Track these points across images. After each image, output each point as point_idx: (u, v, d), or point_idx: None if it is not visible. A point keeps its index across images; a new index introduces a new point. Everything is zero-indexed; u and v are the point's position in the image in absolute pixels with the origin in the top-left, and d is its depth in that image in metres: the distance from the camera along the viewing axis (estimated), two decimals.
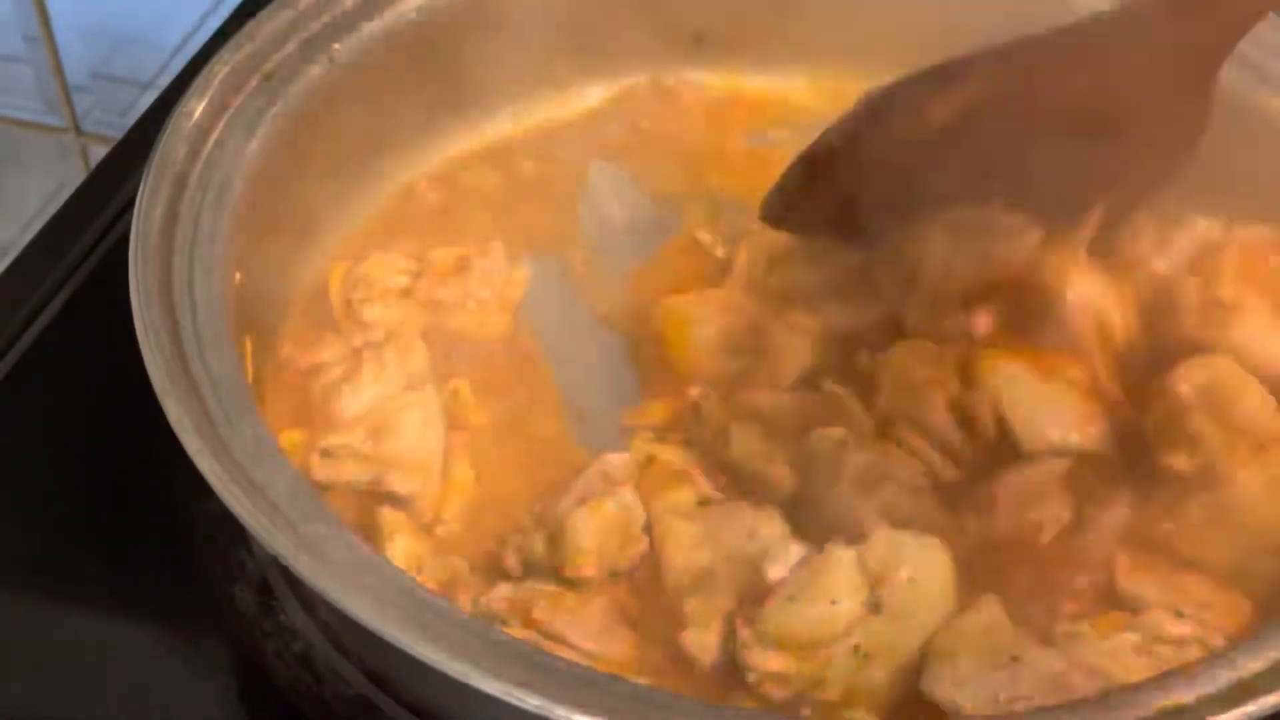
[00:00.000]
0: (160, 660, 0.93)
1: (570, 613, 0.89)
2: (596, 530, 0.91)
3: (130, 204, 1.05)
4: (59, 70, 1.48)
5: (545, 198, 1.18)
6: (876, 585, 0.87)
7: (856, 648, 0.85)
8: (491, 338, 1.07)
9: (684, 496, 0.95)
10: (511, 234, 1.12)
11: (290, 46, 1.05)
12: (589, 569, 0.90)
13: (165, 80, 1.40)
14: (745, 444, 0.97)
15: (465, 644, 0.73)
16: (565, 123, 1.24)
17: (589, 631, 0.88)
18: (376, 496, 0.94)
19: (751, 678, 0.85)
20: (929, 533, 0.90)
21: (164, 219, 0.93)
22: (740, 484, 0.97)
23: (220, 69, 1.01)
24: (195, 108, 0.99)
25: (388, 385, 0.99)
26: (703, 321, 1.06)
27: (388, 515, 0.93)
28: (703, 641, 0.88)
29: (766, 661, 0.85)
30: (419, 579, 0.85)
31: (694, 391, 1.02)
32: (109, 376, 1.04)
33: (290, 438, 0.96)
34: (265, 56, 1.04)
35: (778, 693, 0.85)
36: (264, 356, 1.00)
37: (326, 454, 0.95)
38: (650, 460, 0.97)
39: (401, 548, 0.91)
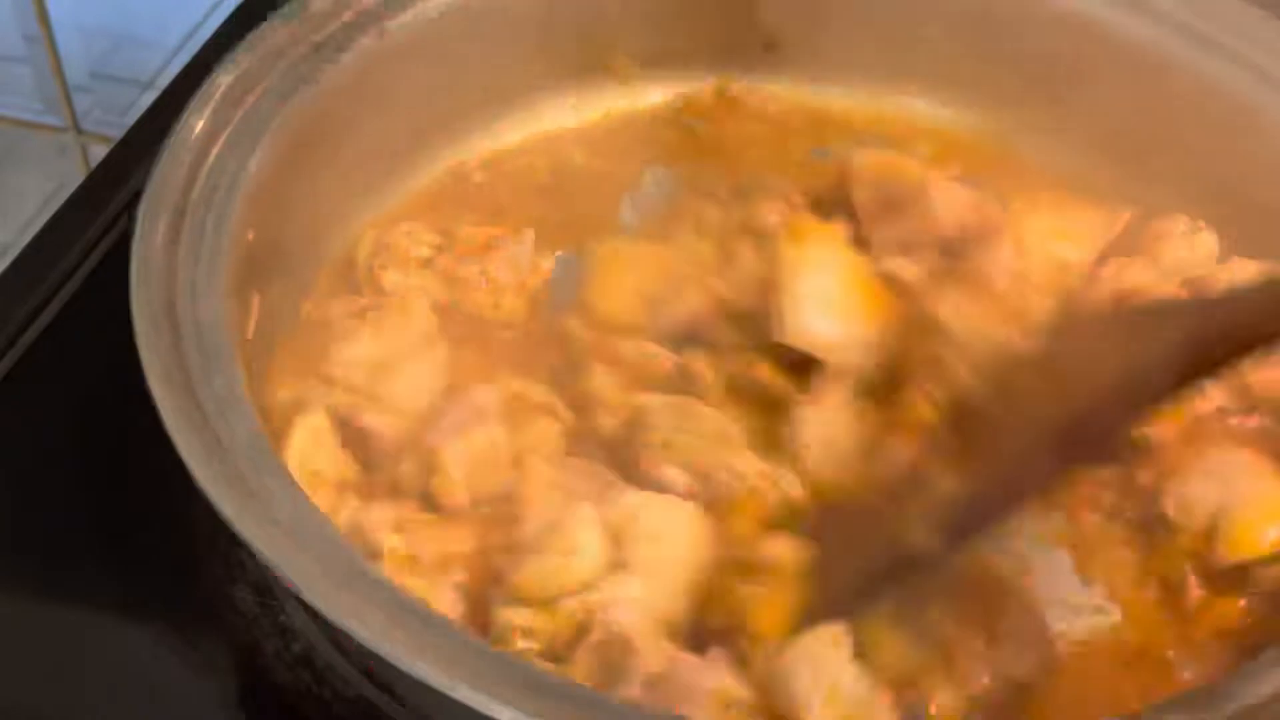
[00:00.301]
0: (160, 660, 0.93)
1: (432, 540, 0.91)
2: (467, 461, 0.93)
3: (130, 204, 1.06)
4: (59, 70, 1.48)
5: (591, 192, 1.19)
6: (618, 542, 0.88)
7: (590, 604, 0.86)
8: (504, 321, 1.08)
9: (548, 428, 0.98)
10: (549, 224, 1.14)
11: (343, 18, 1.06)
12: (459, 497, 0.92)
13: (165, 80, 1.40)
14: (601, 382, 1.00)
15: (396, 617, 0.74)
16: (624, 120, 1.24)
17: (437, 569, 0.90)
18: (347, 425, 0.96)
19: (494, 631, 0.87)
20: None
21: (189, 167, 0.95)
22: (589, 421, 0.99)
23: (270, 34, 1.03)
24: (227, 79, 1.00)
25: (384, 346, 1.00)
26: (629, 269, 1.10)
27: (302, 418, 0.95)
28: None
29: (511, 615, 0.87)
30: (315, 481, 0.90)
31: (567, 323, 1.05)
32: (109, 376, 1.04)
33: (289, 389, 0.98)
34: (316, 27, 1.05)
35: (523, 644, 0.86)
36: (277, 315, 1.01)
37: (326, 380, 0.97)
38: (516, 396, 0.99)
39: (298, 446, 0.93)
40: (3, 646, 0.93)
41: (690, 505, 0.92)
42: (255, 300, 0.97)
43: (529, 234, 1.11)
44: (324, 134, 1.04)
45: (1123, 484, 0.97)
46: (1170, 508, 0.94)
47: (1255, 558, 0.92)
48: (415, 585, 0.87)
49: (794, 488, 0.95)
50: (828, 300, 1.00)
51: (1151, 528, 0.95)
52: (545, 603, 0.86)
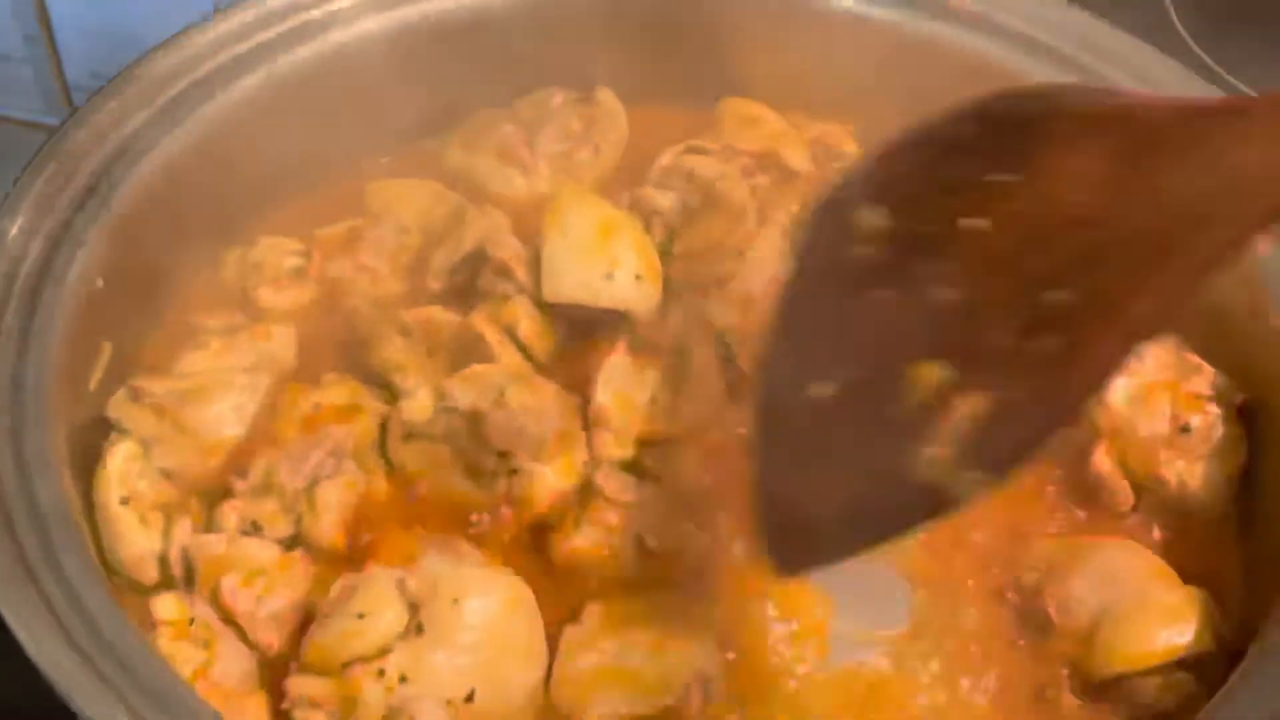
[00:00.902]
0: None
1: (258, 600, 0.91)
2: (341, 503, 0.95)
3: None
4: (59, 70, 1.50)
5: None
6: (420, 606, 0.87)
7: (382, 671, 0.85)
8: (383, 302, 1.08)
9: (362, 425, 0.99)
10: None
11: (226, 56, 1.10)
12: (339, 538, 0.94)
13: None
14: (387, 354, 1.02)
15: None
16: None
17: (268, 623, 0.90)
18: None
19: (284, 704, 0.86)
20: None
21: (36, 204, 0.97)
22: (381, 393, 1.02)
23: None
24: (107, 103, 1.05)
25: (229, 359, 1.02)
26: (407, 202, 1.13)
27: (116, 443, 0.96)
28: None
29: (300, 684, 0.85)
30: (130, 505, 0.92)
31: (349, 303, 1.06)
32: None
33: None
34: (199, 63, 1.09)
35: (311, 717, 0.85)
36: (129, 362, 1.03)
37: (132, 393, 0.98)
38: (319, 407, 1.00)
39: (116, 469, 0.94)
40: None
41: (509, 574, 0.91)
42: (106, 348, 1.00)
43: (389, 216, 1.12)
44: (197, 167, 1.06)
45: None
46: (1051, 607, 0.93)
47: (1134, 670, 0.91)
48: (189, 652, 0.88)
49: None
50: (584, 256, 1.03)
51: (1034, 626, 0.94)
52: (335, 670, 0.85)
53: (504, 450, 0.97)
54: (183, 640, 0.87)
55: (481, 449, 0.97)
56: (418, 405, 0.98)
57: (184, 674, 0.85)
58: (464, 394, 0.98)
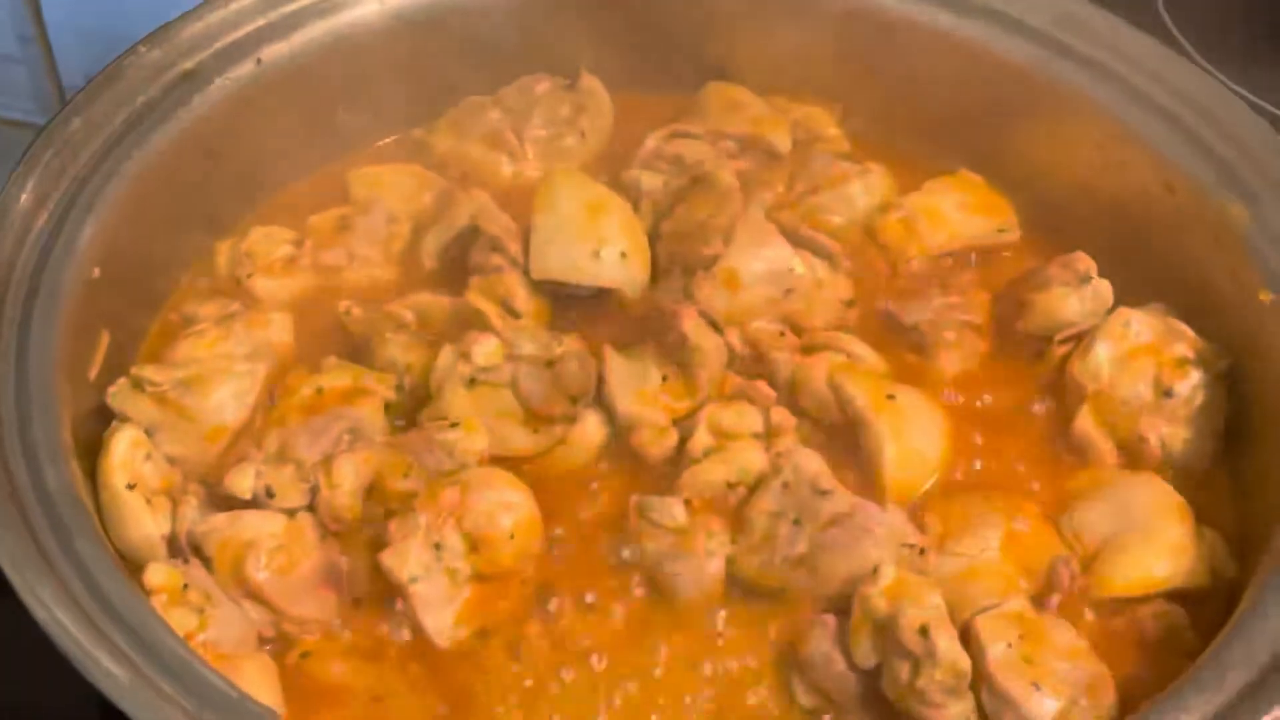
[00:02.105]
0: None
1: (282, 573, 0.93)
2: (358, 474, 0.96)
3: None
4: (53, 71, 1.51)
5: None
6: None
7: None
8: (380, 289, 1.11)
9: (370, 408, 1.01)
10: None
11: (216, 46, 1.11)
12: (357, 507, 0.96)
13: None
14: (389, 354, 1.04)
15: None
16: None
17: (296, 592, 0.93)
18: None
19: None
20: None
21: (33, 198, 0.99)
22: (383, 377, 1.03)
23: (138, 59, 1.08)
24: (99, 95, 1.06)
25: (228, 347, 1.03)
26: (392, 188, 1.15)
27: (120, 429, 0.97)
28: (403, 554, 0.93)
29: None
30: (136, 490, 0.94)
31: (341, 305, 1.08)
32: None
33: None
34: (189, 54, 1.10)
35: None
36: (126, 352, 1.05)
37: (135, 383, 0.99)
38: (321, 390, 1.02)
39: (121, 455, 0.95)
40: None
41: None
42: (104, 337, 1.02)
43: (380, 203, 1.14)
44: (183, 164, 1.08)
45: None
46: (1068, 532, 0.97)
47: (1124, 596, 0.94)
48: (182, 617, 0.89)
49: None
50: (572, 235, 1.06)
51: None
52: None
53: (577, 394, 1.00)
54: (176, 606, 0.89)
55: (555, 394, 1.00)
56: (488, 350, 1.01)
57: None
58: (531, 343, 1.02)
